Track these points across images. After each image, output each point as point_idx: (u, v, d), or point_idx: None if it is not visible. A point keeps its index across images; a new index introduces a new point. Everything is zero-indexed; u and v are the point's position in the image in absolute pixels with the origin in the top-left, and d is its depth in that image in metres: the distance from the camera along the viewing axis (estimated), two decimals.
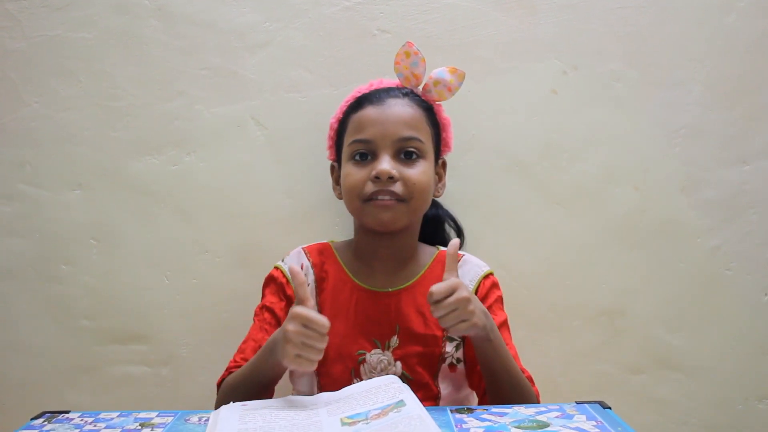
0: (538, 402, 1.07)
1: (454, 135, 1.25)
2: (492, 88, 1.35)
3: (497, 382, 1.06)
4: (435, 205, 1.29)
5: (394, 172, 1.09)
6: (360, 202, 1.12)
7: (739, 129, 1.36)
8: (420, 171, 1.12)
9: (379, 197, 1.10)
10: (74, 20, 1.34)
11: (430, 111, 1.17)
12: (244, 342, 1.16)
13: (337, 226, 1.33)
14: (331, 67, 1.34)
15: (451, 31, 1.35)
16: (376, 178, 1.09)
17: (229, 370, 1.13)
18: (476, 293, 1.15)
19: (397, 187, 1.10)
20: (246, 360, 1.11)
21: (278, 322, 1.15)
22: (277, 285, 1.19)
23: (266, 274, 1.21)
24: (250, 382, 1.05)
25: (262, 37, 1.34)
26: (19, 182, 1.35)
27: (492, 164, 1.36)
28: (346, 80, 1.32)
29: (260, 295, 1.21)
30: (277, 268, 1.20)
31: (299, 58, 1.34)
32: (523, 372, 1.10)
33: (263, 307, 1.18)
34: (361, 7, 1.34)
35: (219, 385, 1.12)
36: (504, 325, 1.17)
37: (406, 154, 1.12)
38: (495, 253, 1.33)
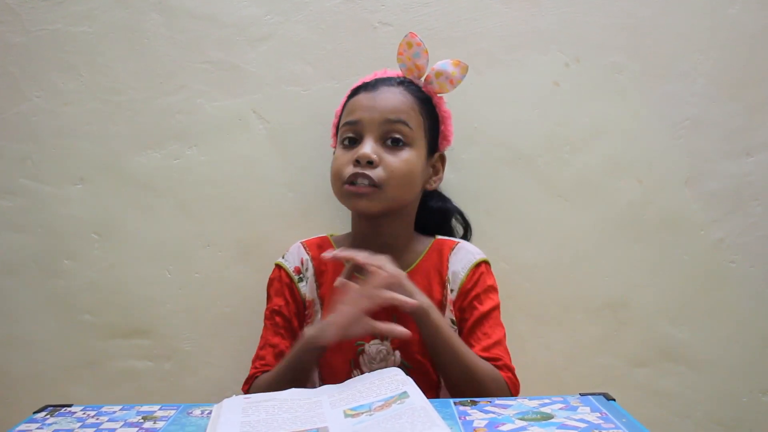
0: (515, 394, 1.07)
1: (457, 128, 1.24)
2: (494, 81, 1.34)
3: (443, 367, 1.07)
4: (443, 199, 1.29)
5: (374, 157, 1.10)
6: (340, 185, 1.13)
7: (743, 121, 1.36)
8: (402, 159, 1.12)
9: (357, 181, 1.10)
10: (75, 14, 1.33)
11: (426, 102, 1.17)
12: (261, 348, 1.18)
13: (339, 219, 1.33)
14: (333, 60, 1.34)
15: (453, 24, 1.34)
16: (357, 162, 1.10)
17: (253, 377, 1.14)
18: (465, 281, 1.15)
19: (377, 172, 1.10)
20: (268, 365, 1.13)
21: (290, 325, 1.18)
22: (281, 285, 1.20)
23: (268, 267, 1.22)
24: (285, 379, 1.03)
25: (263, 30, 1.34)
26: (21, 177, 1.35)
27: (494, 157, 1.35)
28: (348, 73, 1.32)
29: (264, 292, 1.22)
30: (278, 266, 1.21)
31: (300, 52, 1.34)
32: (499, 359, 1.10)
33: (273, 311, 1.19)
34: (362, 0, 1.34)
35: (246, 391, 1.14)
36: (492, 312, 1.15)
37: (393, 141, 1.12)
38: (497, 246, 1.33)
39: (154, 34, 1.34)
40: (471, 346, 1.10)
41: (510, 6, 1.34)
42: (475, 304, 1.14)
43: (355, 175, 1.10)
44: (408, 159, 1.12)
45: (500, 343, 1.13)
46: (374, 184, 1.10)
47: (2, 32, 1.33)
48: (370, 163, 1.09)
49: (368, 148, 1.10)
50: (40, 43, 1.33)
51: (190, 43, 1.34)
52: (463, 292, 1.15)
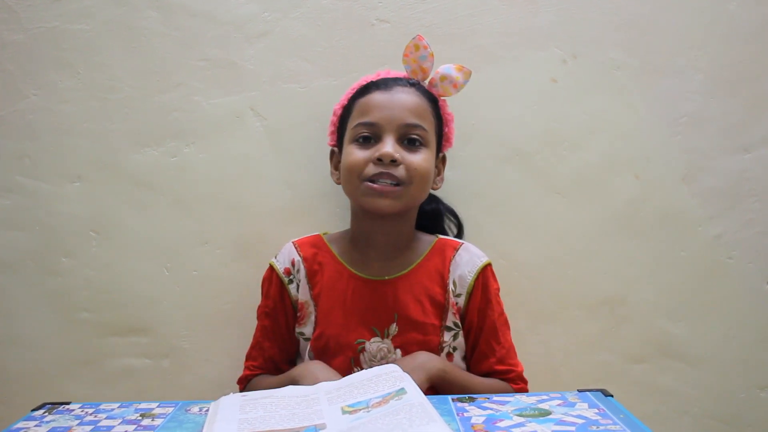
0: None
1: (454, 125, 1.24)
2: (492, 78, 1.34)
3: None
4: (435, 200, 1.29)
5: (398, 156, 1.09)
6: (359, 182, 1.11)
7: (741, 117, 1.36)
8: (422, 158, 1.12)
9: (380, 180, 1.10)
10: (72, 12, 1.33)
11: (435, 103, 1.18)
12: (253, 348, 1.21)
13: (336, 216, 1.33)
14: (330, 57, 1.34)
15: (451, 21, 1.34)
16: (379, 160, 1.09)
17: (246, 378, 1.20)
18: (474, 284, 1.16)
19: (399, 171, 1.10)
20: (259, 368, 1.18)
21: (278, 328, 1.19)
22: (271, 286, 1.21)
23: (266, 264, 1.23)
24: None
25: (260, 27, 1.33)
26: (19, 175, 1.35)
27: (492, 154, 1.35)
28: (345, 70, 1.32)
29: (260, 290, 1.23)
30: (271, 267, 1.22)
31: (298, 49, 1.34)
32: (512, 371, 1.15)
33: (264, 312, 1.21)
34: None
35: (241, 385, 1.20)
36: (501, 317, 1.19)
37: (409, 141, 1.12)
38: (495, 243, 1.33)
39: (151, 32, 1.33)
40: (487, 357, 1.15)
41: (507, 3, 1.34)
42: (487, 312, 1.16)
43: (379, 175, 1.10)
44: (427, 158, 1.13)
45: (511, 349, 1.18)
46: (398, 184, 1.10)
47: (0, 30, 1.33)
48: (393, 162, 1.09)
49: (390, 147, 1.10)
50: (38, 41, 1.33)
51: (188, 41, 1.33)
52: (473, 297, 1.16)
